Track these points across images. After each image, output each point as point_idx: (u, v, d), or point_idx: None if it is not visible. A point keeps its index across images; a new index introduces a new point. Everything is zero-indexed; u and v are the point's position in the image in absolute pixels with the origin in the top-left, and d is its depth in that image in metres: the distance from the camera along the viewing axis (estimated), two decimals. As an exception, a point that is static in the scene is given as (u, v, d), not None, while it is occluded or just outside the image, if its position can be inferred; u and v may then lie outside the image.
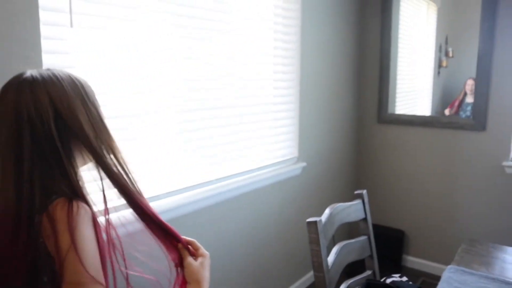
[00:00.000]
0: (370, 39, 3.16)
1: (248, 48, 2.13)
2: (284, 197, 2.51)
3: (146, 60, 1.65)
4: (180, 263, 0.97)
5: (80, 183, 0.89)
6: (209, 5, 1.88)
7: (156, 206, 1.70)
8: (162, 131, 1.74)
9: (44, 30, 1.32)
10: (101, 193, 0.91)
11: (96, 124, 0.90)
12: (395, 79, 3.11)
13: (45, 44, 1.32)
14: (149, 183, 1.70)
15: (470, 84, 2.81)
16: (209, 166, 1.98)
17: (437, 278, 1.53)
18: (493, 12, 2.63)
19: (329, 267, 1.44)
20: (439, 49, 2.91)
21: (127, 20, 1.55)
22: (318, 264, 1.39)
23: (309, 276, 2.84)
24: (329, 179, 2.98)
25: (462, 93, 2.85)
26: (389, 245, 3.12)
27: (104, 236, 0.90)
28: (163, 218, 0.97)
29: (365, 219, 1.75)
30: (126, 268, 0.97)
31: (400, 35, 3.05)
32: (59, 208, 0.79)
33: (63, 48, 1.39)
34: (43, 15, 1.31)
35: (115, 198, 0.92)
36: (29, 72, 0.86)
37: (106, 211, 0.93)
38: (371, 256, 1.75)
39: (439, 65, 2.93)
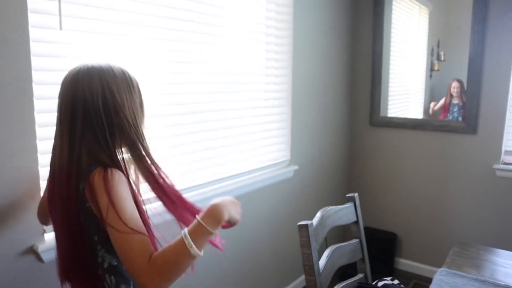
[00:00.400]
0: (362, 42, 3.17)
1: (240, 52, 2.13)
2: (276, 200, 2.50)
3: (136, 64, 1.64)
4: None
5: (120, 155, 1.04)
6: (200, 9, 1.88)
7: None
8: (152, 135, 1.73)
9: (33, 32, 1.31)
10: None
11: (136, 110, 1.06)
12: (387, 82, 3.12)
13: (34, 47, 1.31)
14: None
15: (455, 87, 2.83)
16: (200, 169, 1.97)
17: (429, 281, 1.54)
18: (483, 16, 2.65)
19: (321, 271, 1.44)
20: (431, 52, 2.93)
21: (116, 22, 1.54)
22: (309, 268, 1.39)
23: (301, 280, 2.84)
24: (321, 182, 2.98)
25: (449, 96, 2.87)
26: (382, 248, 3.13)
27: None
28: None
29: (356, 222, 1.75)
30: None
31: (392, 39, 3.07)
32: (96, 176, 0.96)
33: (53, 51, 1.38)
34: (32, 18, 1.30)
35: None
36: (88, 62, 1.05)
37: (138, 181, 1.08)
38: (362, 259, 1.75)
39: (431, 69, 2.94)
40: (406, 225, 3.16)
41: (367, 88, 3.19)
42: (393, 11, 3.04)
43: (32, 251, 1.38)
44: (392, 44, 3.07)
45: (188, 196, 1.89)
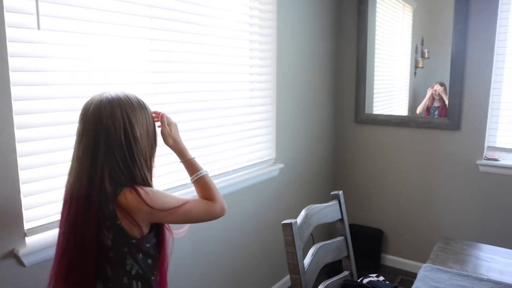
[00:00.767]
0: (347, 40, 3.18)
1: (224, 51, 2.12)
2: (262, 199, 2.50)
3: (118, 64, 1.63)
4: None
5: (143, 176, 1.18)
6: (182, 8, 1.86)
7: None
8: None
9: (9, 32, 1.28)
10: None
11: (149, 140, 1.22)
12: (372, 79, 3.14)
13: (11, 47, 1.29)
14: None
15: (437, 90, 2.87)
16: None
17: (416, 276, 1.55)
18: (465, 14, 2.68)
19: (305, 269, 1.44)
20: (415, 50, 2.95)
21: (97, 22, 1.52)
22: (293, 266, 1.39)
23: (288, 279, 2.84)
24: (307, 180, 2.99)
25: (431, 99, 2.91)
26: (368, 245, 3.15)
27: None
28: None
29: (341, 220, 1.75)
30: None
31: (377, 37, 3.08)
32: (128, 194, 1.11)
33: (31, 51, 1.35)
34: (8, 17, 1.27)
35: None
36: (108, 92, 1.16)
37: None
38: (348, 257, 1.76)
39: (415, 66, 2.97)
40: (392, 221, 3.18)
41: (352, 85, 3.21)
42: (377, 9, 3.05)
43: (13, 255, 1.35)
44: (376, 42, 3.09)
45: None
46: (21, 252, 1.35)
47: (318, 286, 1.57)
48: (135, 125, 1.15)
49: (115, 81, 1.62)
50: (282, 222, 1.40)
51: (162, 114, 1.35)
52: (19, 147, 1.34)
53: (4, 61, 1.27)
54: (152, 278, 1.21)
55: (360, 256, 3.01)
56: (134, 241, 1.14)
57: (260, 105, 2.44)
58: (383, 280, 1.72)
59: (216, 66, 2.09)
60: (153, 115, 1.27)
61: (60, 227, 1.18)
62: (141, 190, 1.13)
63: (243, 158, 2.33)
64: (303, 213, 1.53)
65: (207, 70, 2.03)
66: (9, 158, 1.31)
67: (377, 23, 3.07)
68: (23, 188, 1.36)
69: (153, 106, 1.78)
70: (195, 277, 2.08)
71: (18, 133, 1.33)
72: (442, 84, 2.85)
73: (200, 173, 1.33)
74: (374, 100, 3.17)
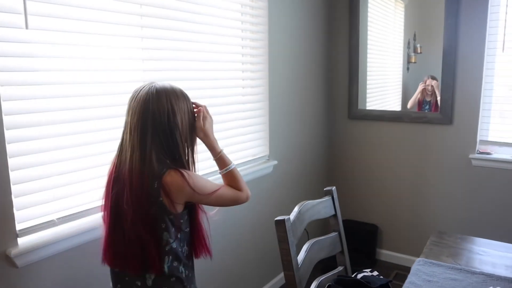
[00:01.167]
0: (339, 36, 3.18)
1: (216, 48, 2.11)
2: (255, 196, 2.49)
3: (109, 62, 1.61)
4: None
5: (184, 160, 1.32)
6: (173, 5, 1.85)
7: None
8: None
9: (-3, 32, 1.27)
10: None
11: (190, 125, 1.35)
12: (365, 75, 3.15)
13: (-1, 47, 1.28)
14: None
15: (429, 84, 2.87)
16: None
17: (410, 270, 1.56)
18: (456, 8, 2.68)
19: (299, 265, 1.44)
20: (407, 45, 2.96)
21: (86, 20, 1.51)
22: (287, 263, 1.39)
23: (282, 276, 2.84)
24: (301, 177, 2.99)
25: (423, 93, 2.91)
26: (364, 240, 3.16)
27: None
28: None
29: (335, 216, 1.75)
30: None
31: (369, 32, 3.08)
32: (173, 175, 1.23)
33: (19, 50, 1.34)
34: (-5, 16, 1.26)
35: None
36: (156, 82, 1.30)
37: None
38: (342, 252, 1.76)
39: (408, 61, 2.97)
40: (386, 216, 3.20)
41: (345, 81, 3.21)
42: (369, 5, 3.05)
43: (5, 257, 1.34)
44: (369, 37, 3.09)
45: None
46: (13, 253, 1.34)
47: (312, 281, 1.57)
48: (177, 112, 1.28)
49: (106, 80, 1.61)
50: (275, 219, 1.39)
51: (200, 108, 1.41)
52: (9, 148, 1.33)
53: (-8, 61, 1.26)
54: (180, 250, 1.32)
55: (356, 251, 3.02)
56: (171, 216, 1.26)
57: (253, 102, 2.43)
58: (377, 275, 1.72)
59: (208, 64, 2.08)
60: (193, 106, 1.39)
61: (106, 206, 1.31)
62: (185, 172, 1.25)
63: (236, 155, 2.32)
64: (296, 209, 1.53)
65: (199, 68, 2.03)
66: (-1, 159, 1.30)
67: (369, 19, 3.07)
68: (14, 188, 1.35)
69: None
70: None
71: (7, 134, 1.32)
72: (434, 78, 2.85)
73: (229, 167, 1.45)
74: (368, 95, 3.18)
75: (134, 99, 1.27)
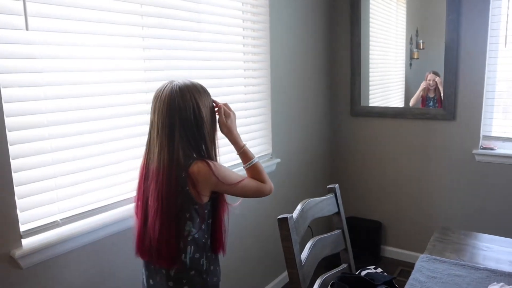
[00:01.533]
0: (341, 33, 3.17)
1: (218, 47, 2.11)
2: (259, 194, 2.49)
3: (110, 62, 1.62)
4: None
5: (209, 151, 1.37)
6: (174, 4, 1.85)
7: (122, 212, 1.68)
8: (123, 134, 1.70)
9: (-3, 33, 1.27)
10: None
11: (212, 120, 1.40)
12: (367, 72, 3.13)
13: None
14: (119, 188, 1.67)
15: (431, 79, 2.86)
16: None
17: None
18: (458, 4, 2.67)
19: (303, 263, 1.44)
20: (410, 41, 2.94)
21: (87, 21, 1.51)
22: (290, 261, 1.39)
23: (285, 274, 2.83)
24: (304, 174, 2.99)
25: (426, 89, 2.90)
26: (368, 237, 3.16)
27: None
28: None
29: (338, 213, 1.75)
30: None
31: (371, 29, 3.07)
32: (199, 165, 1.29)
33: (20, 52, 1.34)
34: (-5, 18, 1.26)
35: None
36: (177, 80, 1.35)
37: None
38: (345, 249, 1.76)
39: (410, 57, 2.96)
40: (390, 213, 3.19)
41: (347, 78, 3.20)
42: (371, 1, 3.04)
43: (9, 258, 1.35)
44: (371, 34, 3.08)
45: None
46: (18, 254, 1.34)
47: (316, 279, 1.57)
48: (202, 107, 1.33)
49: (107, 80, 1.61)
50: (278, 217, 1.39)
51: (220, 105, 1.45)
52: (12, 149, 1.33)
53: (-7, 63, 1.26)
54: (203, 241, 1.36)
55: (360, 248, 3.02)
56: (197, 206, 1.31)
57: (255, 100, 2.43)
58: (381, 272, 1.72)
59: (209, 63, 2.08)
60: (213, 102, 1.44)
61: (138, 201, 1.37)
62: (211, 162, 1.31)
63: (239, 154, 2.32)
64: (299, 207, 1.53)
65: (200, 67, 2.02)
66: (2, 160, 1.30)
67: (371, 15, 3.06)
68: (17, 190, 1.36)
69: (148, 104, 1.78)
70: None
71: (10, 135, 1.32)
72: (436, 74, 2.84)
73: (253, 161, 1.50)
74: (370, 92, 3.17)
75: (158, 99, 1.31)
